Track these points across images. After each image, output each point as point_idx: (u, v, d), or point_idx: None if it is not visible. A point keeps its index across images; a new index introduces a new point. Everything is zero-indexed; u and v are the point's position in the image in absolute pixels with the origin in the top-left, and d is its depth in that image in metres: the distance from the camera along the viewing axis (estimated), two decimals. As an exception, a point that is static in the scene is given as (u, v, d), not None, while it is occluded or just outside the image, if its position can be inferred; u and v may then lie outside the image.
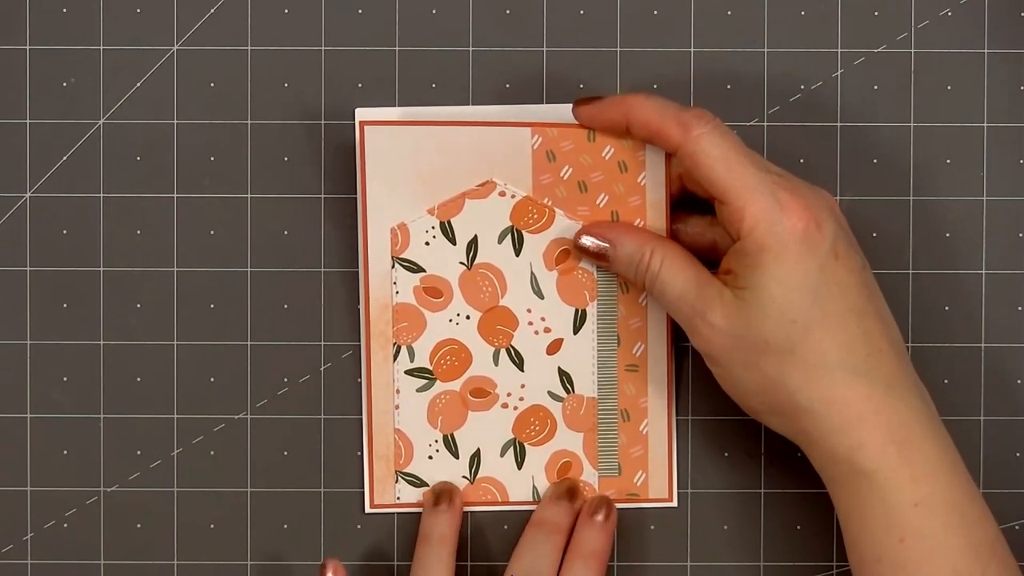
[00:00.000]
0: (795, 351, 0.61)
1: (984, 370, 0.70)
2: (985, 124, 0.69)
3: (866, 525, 0.61)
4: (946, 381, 0.70)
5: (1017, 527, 0.70)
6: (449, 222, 0.68)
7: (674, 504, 0.69)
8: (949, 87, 0.70)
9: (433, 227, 0.68)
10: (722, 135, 0.62)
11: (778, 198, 0.61)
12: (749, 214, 0.61)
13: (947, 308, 0.70)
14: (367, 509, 0.69)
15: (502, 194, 0.68)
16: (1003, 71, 0.69)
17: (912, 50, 0.70)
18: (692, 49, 0.70)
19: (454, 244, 0.68)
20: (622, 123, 0.64)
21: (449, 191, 0.68)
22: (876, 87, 0.69)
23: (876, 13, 0.70)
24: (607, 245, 0.65)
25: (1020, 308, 0.70)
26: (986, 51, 0.69)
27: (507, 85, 0.69)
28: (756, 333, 0.61)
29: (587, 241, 0.66)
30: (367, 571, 0.70)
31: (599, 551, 0.66)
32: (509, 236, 0.68)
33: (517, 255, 0.68)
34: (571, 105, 0.66)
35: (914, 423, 0.61)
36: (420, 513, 0.69)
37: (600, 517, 0.67)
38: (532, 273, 0.68)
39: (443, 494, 0.68)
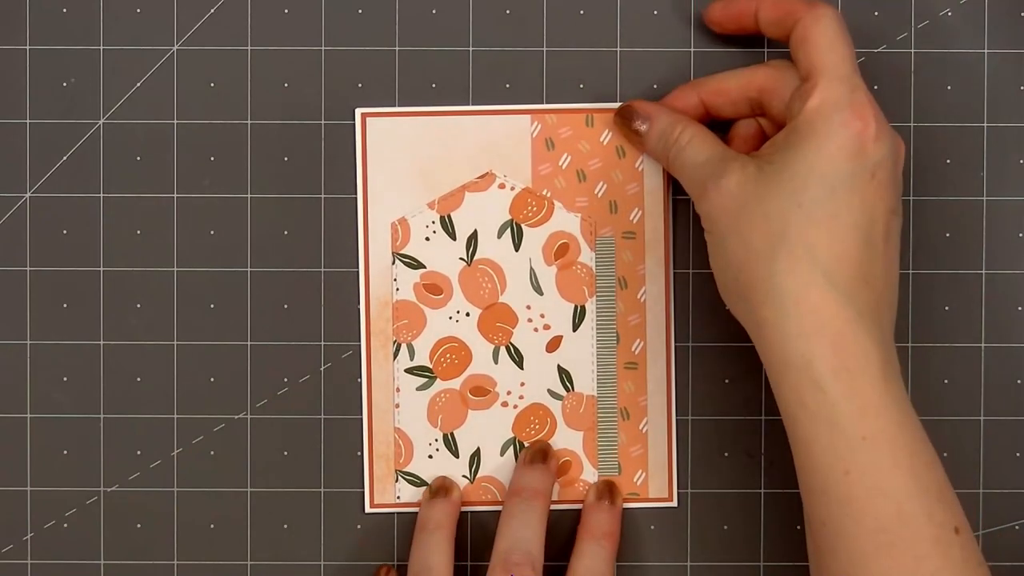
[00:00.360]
0: (788, 235, 0.60)
1: (984, 370, 0.70)
2: (985, 124, 0.70)
3: (812, 452, 0.59)
4: (946, 381, 0.70)
5: (1017, 527, 0.70)
6: (449, 216, 0.68)
7: (674, 504, 0.69)
8: (949, 87, 0.70)
9: (433, 221, 0.68)
10: (841, 25, 0.62)
11: (854, 96, 0.61)
12: (818, 93, 0.61)
13: (947, 308, 0.70)
14: (367, 509, 0.69)
15: (501, 186, 0.68)
16: (1003, 71, 0.69)
17: (912, 50, 0.70)
18: (692, 49, 0.70)
19: (454, 239, 0.68)
20: (751, 12, 0.65)
21: (449, 184, 0.68)
22: (876, 87, 0.69)
23: (876, 13, 0.70)
24: (645, 124, 0.66)
25: (1020, 308, 0.70)
26: (986, 51, 0.69)
27: (507, 85, 0.69)
28: (763, 203, 0.60)
29: (624, 110, 0.67)
30: (367, 571, 0.70)
31: (611, 532, 0.66)
32: (509, 230, 0.68)
33: (516, 250, 0.68)
34: (704, 14, 0.68)
35: (873, 357, 0.59)
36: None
37: (607, 501, 0.67)
38: (531, 269, 0.68)
39: (440, 488, 0.68)
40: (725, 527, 0.70)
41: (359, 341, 0.69)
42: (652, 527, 0.70)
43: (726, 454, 0.70)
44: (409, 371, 0.68)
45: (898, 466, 0.59)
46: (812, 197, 0.60)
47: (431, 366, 0.68)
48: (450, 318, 0.68)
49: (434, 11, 0.70)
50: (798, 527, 0.70)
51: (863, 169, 0.60)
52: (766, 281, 0.60)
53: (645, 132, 0.66)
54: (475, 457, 0.69)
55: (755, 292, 0.60)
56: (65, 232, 0.70)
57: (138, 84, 0.70)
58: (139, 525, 0.70)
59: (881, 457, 0.59)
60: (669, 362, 0.69)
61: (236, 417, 0.70)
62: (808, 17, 0.62)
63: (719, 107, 0.66)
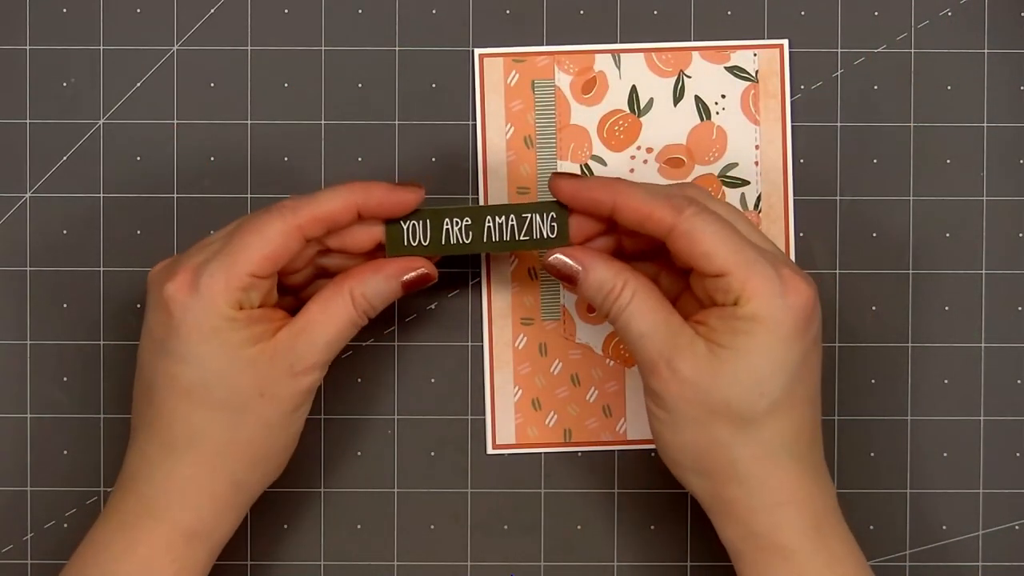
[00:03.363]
0: (753, 424, 0.60)
1: (984, 370, 0.70)
2: (985, 124, 0.70)
3: None
4: (946, 381, 0.70)
5: (1017, 527, 0.70)
6: None
7: None
8: (949, 87, 0.70)
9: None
10: (712, 212, 0.61)
11: (780, 273, 0.60)
12: (751, 285, 0.60)
13: (947, 308, 0.70)
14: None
15: None
16: (1003, 71, 0.69)
17: (912, 50, 0.70)
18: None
19: None
20: (607, 206, 0.62)
21: None
22: (876, 87, 0.69)
23: (876, 13, 0.70)
24: (579, 268, 0.62)
25: (1020, 308, 0.70)
26: (986, 51, 0.69)
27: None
28: (722, 394, 0.60)
29: (557, 260, 0.63)
30: (367, 571, 0.70)
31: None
32: None
33: None
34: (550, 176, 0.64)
35: (832, 509, 0.62)
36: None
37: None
38: None
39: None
40: (725, 527, 0.70)
41: (361, 342, 0.69)
42: (652, 527, 0.70)
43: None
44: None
45: None
46: (774, 385, 0.60)
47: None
48: None
49: (434, 11, 0.70)
50: (798, 527, 0.70)
51: (812, 340, 0.61)
52: (730, 465, 0.61)
53: (582, 277, 0.62)
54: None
55: (719, 474, 0.61)
56: (65, 232, 0.70)
57: (138, 84, 0.70)
58: (139, 525, 0.70)
59: None
60: None
61: (236, 417, 0.70)
62: (681, 225, 0.60)
63: (627, 222, 0.62)
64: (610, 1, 0.69)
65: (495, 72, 0.69)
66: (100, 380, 0.70)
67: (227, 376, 0.61)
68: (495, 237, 0.64)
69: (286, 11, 0.70)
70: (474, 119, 0.69)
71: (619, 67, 0.69)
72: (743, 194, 0.69)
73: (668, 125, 0.69)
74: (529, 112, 0.69)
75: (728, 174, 0.69)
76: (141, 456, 0.62)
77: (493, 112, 0.69)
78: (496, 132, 0.69)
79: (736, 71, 0.69)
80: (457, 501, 0.70)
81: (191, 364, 0.61)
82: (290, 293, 0.65)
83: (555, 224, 0.63)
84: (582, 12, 0.70)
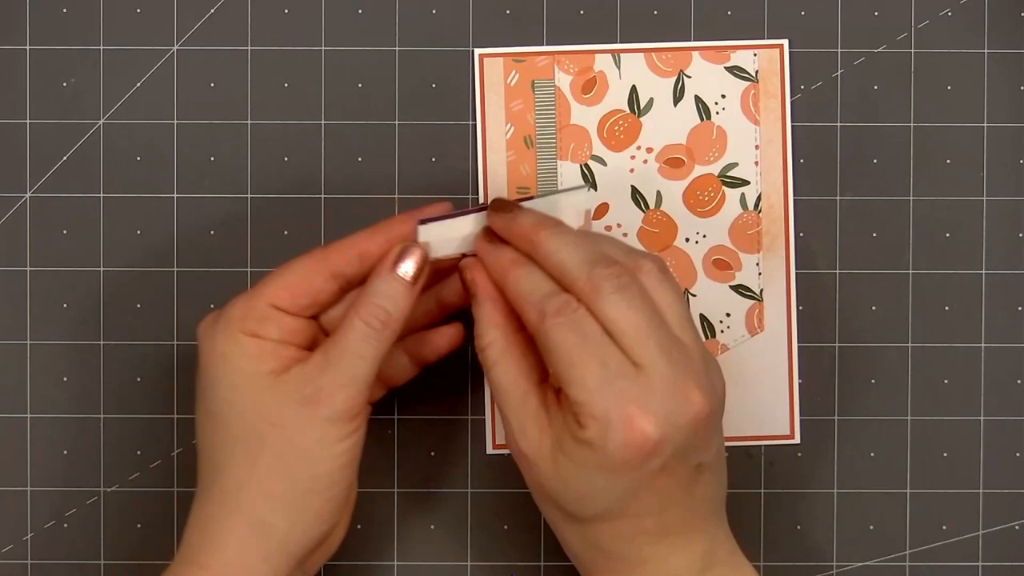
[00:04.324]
0: (583, 524, 0.60)
1: (984, 370, 0.70)
2: (985, 124, 0.70)
3: None
4: (946, 381, 0.70)
5: (1017, 527, 0.70)
6: None
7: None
8: (949, 87, 0.70)
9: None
10: (576, 323, 0.58)
11: (624, 411, 0.57)
12: (587, 412, 0.58)
13: (947, 308, 0.70)
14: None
15: None
16: (1003, 71, 0.69)
17: (912, 50, 0.70)
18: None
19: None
20: (527, 251, 0.61)
21: None
22: (876, 87, 0.69)
23: (876, 13, 0.70)
24: (472, 294, 0.62)
25: (1020, 308, 0.70)
26: (986, 51, 0.69)
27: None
28: (553, 489, 0.60)
29: (463, 272, 0.62)
30: (367, 571, 0.70)
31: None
32: None
33: None
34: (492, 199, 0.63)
35: (715, 555, 0.61)
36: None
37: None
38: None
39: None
40: (725, 527, 0.70)
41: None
42: (652, 527, 0.70)
43: (726, 454, 0.70)
44: None
45: None
46: (598, 502, 0.59)
47: None
48: None
49: (434, 11, 0.70)
50: (798, 527, 0.70)
51: (650, 471, 0.59)
52: (566, 546, 0.62)
53: (472, 306, 0.62)
54: None
55: (569, 548, 0.62)
56: (65, 232, 0.70)
57: (138, 84, 0.70)
58: (139, 525, 0.70)
59: None
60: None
61: (236, 417, 0.70)
62: (538, 334, 0.59)
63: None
64: (610, 1, 0.69)
65: (495, 72, 0.69)
66: (100, 380, 0.70)
67: (238, 404, 0.60)
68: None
69: (286, 11, 0.70)
70: (474, 119, 0.69)
71: (619, 67, 0.69)
72: (743, 194, 0.69)
73: (668, 125, 0.69)
74: (529, 112, 0.69)
75: (728, 174, 0.69)
76: (191, 506, 0.62)
77: (493, 112, 0.69)
78: (496, 132, 0.69)
79: (736, 71, 0.69)
80: (457, 501, 0.70)
81: (209, 395, 0.61)
82: None
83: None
84: (582, 12, 0.70)
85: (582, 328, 0.58)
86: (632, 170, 0.69)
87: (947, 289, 0.70)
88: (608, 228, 0.69)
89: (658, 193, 0.69)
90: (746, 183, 0.69)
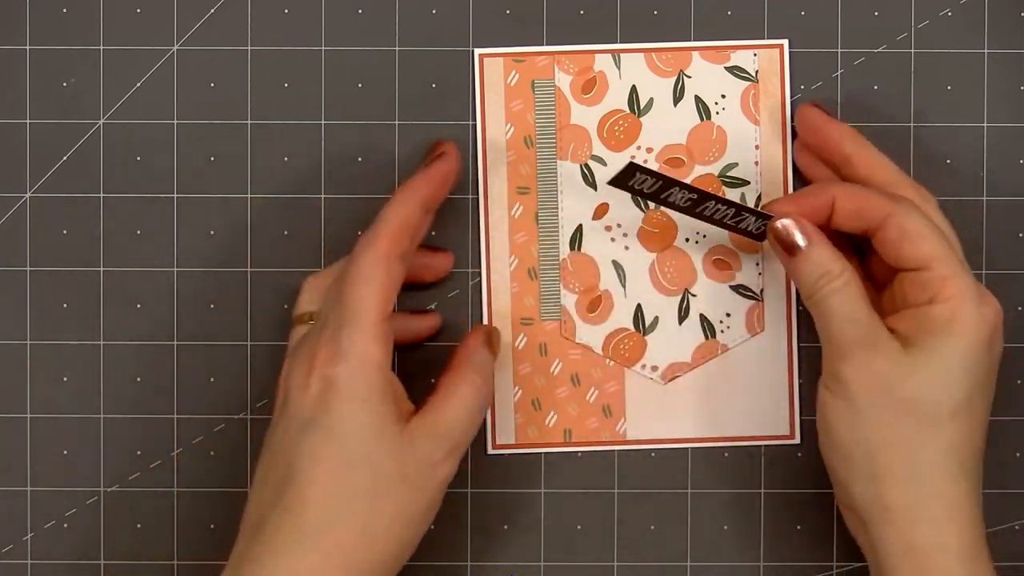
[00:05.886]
0: (936, 425, 0.60)
1: (984, 370, 0.70)
2: (985, 124, 0.70)
3: None
4: (946, 381, 0.70)
5: (1017, 527, 0.70)
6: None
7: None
8: (949, 87, 0.70)
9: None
10: (923, 213, 0.62)
11: (979, 285, 0.61)
12: (952, 284, 0.61)
13: (947, 308, 0.70)
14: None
15: None
16: (1003, 71, 0.69)
17: (912, 50, 0.70)
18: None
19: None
20: (826, 205, 0.63)
21: None
22: (876, 87, 0.69)
23: (876, 13, 0.70)
24: (804, 242, 0.63)
25: (1020, 308, 0.70)
26: (986, 51, 0.69)
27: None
28: (910, 391, 0.60)
29: (784, 227, 0.63)
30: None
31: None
32: None
33: None
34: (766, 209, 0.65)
35: (984, 543, 0.62)
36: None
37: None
38: None
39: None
40: (725, 527, 0.70)
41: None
42: (652, 527, 0.70)
43: (726, 454, 0.70)
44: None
45: None
46: (961, 392, 0.60)
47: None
48: None
49: (434, 11, 0.70)
50: (798, 527, 0.70)
51: (996, 357, 0.62)
52: (908, 466, 0.60)
53: (804, 250, 0.63)
54: None
55: (891, 476, 0.61)
56: (65, 232, 0.70)
57: (138, 84, 0.70)
58: (139, 525, 0.70)
59: None
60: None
61: (236, 417, 0.70)
62: (899, 212, 0.62)
63: (844, 215, 0.64)
64: (610, 1, 0.69)
65: (495, 72, 0.69)
66: (100, 380, 0.70)
67: (373, 454, 0.59)
68: (709, 214, 0.65)
69: (286, 11, 0.70)
70: (474, 119, 0.69)
71: (619, 67, 0.69)
72: (743, 194, 0.69)
73: (668, 125, 0.69)
74: (529, 112, 0.69)
75: (728, 174, 0.69)
76: (265, 546, 0.59)
77: (493, 112, 0.69)
78: (496, 132, 0.69)
79: (736, 71, 0.69)
80: (457, 501, 0.70)
81: (339, 439, 0.59)
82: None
83: (764, 227, 0.64)
84: (582, 12, 0.70)
85: (930, 218, 0.62)
86: None
87: (947, 289, 0.70)
88: (608, 228, 0.69)
89: None
90: (746, 183, 0.69)
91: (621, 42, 0.69)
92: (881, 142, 0.69)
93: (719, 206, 0.64)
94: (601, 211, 0.69)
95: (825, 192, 0.64)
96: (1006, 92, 0.69)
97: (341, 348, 0.60)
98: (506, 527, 0.70)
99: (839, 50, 0.69)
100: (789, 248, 0.63)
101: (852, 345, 0.61)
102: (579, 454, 0.70)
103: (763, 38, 0.69)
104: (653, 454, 0.70)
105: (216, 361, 0.69)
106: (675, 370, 0.69)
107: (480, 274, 0.70)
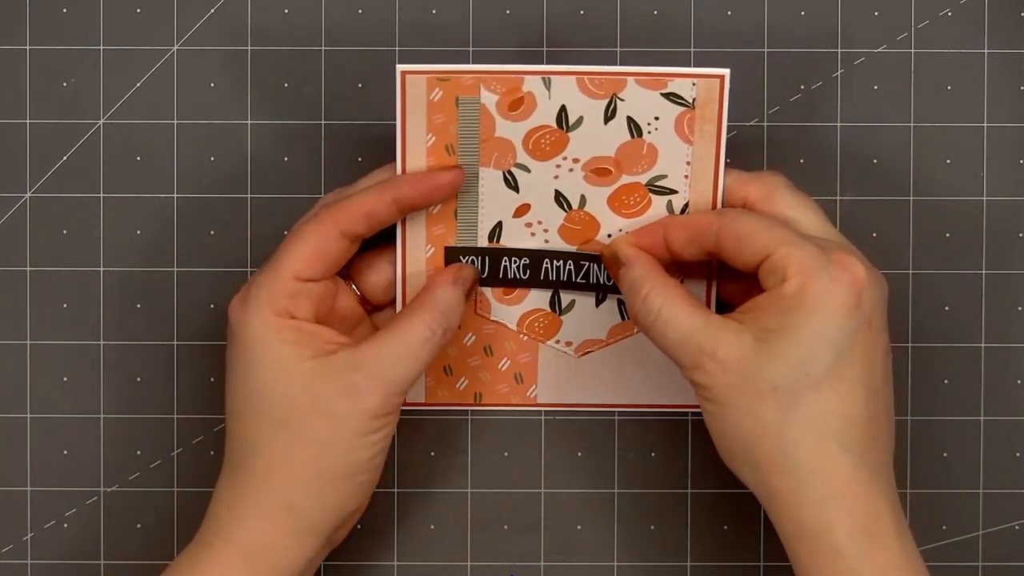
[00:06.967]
0: (799, 402, 0.59)
1: (984, 370, 0.70)
2: (985, 124, 0.70)
3: None
4: (946, 381, 0.70)
5: (1017, 527, 0.70)
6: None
7: None
8: (949, 87, 0.70)
9: None
10: (748, 212, 0.62)
11: (826, 249, 0.60)
12: (794, 257, 0.59)
13: (947, 308, 0.70)
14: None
15: None
16: (1003, 71, 0.69)
17: (912, 50, 0.70)
18: (692, 49, 0.70)
19: None
20: (662, 243, 0.64)
21: None
22: (876, 87, 0.69)
23: (876, 13, 0.70)
24: (623, 263, 0.64)
25: (1020, 308, 0.70)
26: (986, 51, 0.69)
27: (507, 85, 0.69)
28: (767, 376, 0.59)
29: (608, 250, 0.65)
30: (367, 571, 0.70)
31: None
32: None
33: None
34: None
35: (887, 517, 0.60)
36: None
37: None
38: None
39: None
40: (725, 527, 0.70)
41: (359, 341, 0.69)
42: (652, 527, 0.70)
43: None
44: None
45: None
46: (820, 364, 0.59)
47: None
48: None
49: (434, 11, 0.70)
50: (798, 527, 0.70)
51: (862, 320, 0.60)
52: (779, 452, 0.60)
53: (621, 274, 0.64)
54: None
55: (767, 463, 0.60)
56: (65, 232, 0.70)
57: (138, 84, 0.70)
58: (139, 525, 0.70)
59: None
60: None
61: (236, 417, 0.70)
62: (725, 222, 0.61)
63: (680, 245, 0.64)
64: (610, 1, 0.69)
65: (418, 88, 0.66)
66: (100, 380, 0.70)
67: (281, 389, 0.61)
68: (552, 277, 0.67)
69: (286, 11, 0.70)
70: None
71: (549, 88, 0.66)
72: (670, 200, 0.66)
73: (597, 139, 0.66)
74: (452, 124, 0.66)
75: (656, 183, 0.66)
76: (217, 483, 0.63)
77: (415, 123, 0.66)
78: (416, 139, 0.66)
79: (673, 97, 0.66)
80: (457, 501, 0.70)
81: (246, 379, 0.62)
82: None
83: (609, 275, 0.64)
84: (582, 12, 0.70)
85: (758, 214, 0.62)
86: (557, 177, 0.67)
87: (947, 289, 0.70)
88: (528, 225, 0.67)
89: (582, 196, 0.67)
90: (674, 192, 0.67)
91: (621, 44, 0.69)
92: (881, 142, 0.69)
93: (556, 261, 0.65)
94: (522, 210, 0.67)
95: (657, 226, 0.64)
96: (1006, 92, 0.69)
97: (248, 295, 0.62)
98: (506, 527, 0.70)
99: (839, 50, 0.69)
100: (612, 270, 0.65)
101: (696, 356, 0.60)
102: (579, 454, 0.70)
103: (763, 38, 0.69)
104: (653, 454, 0.70)
105: (216, 361, 0.69)
106: (589, 346, 0.69)
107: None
